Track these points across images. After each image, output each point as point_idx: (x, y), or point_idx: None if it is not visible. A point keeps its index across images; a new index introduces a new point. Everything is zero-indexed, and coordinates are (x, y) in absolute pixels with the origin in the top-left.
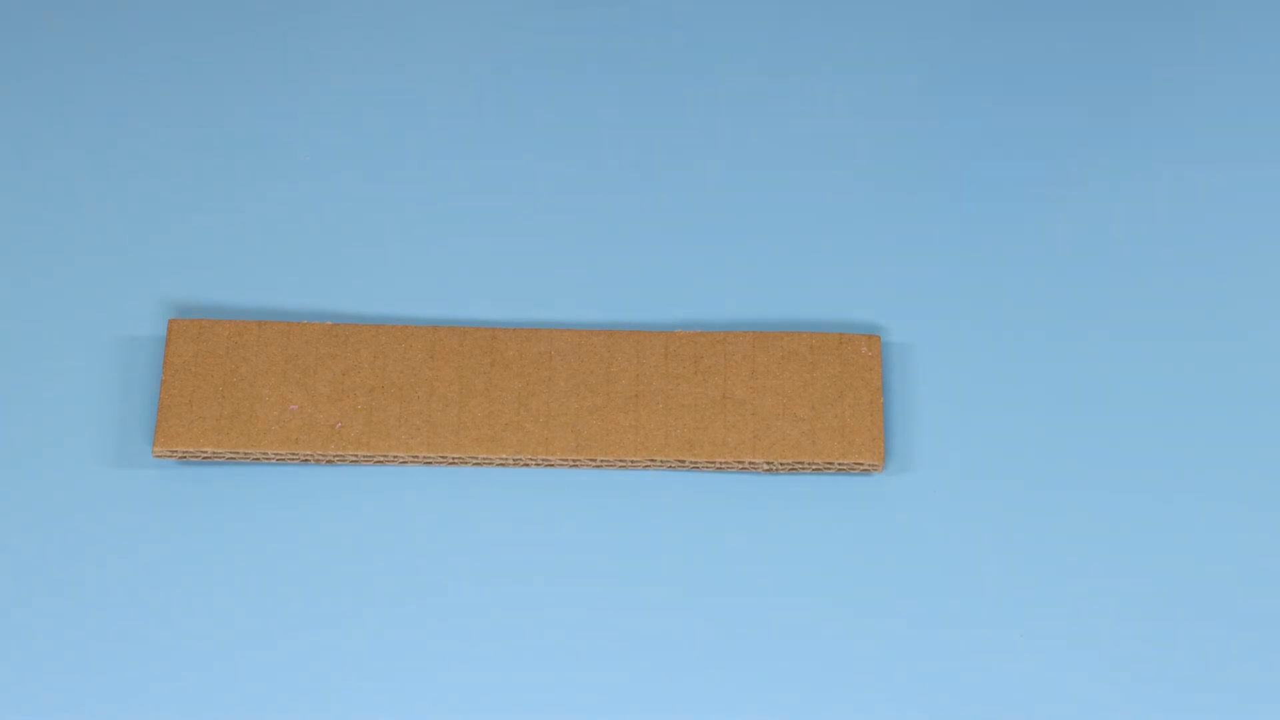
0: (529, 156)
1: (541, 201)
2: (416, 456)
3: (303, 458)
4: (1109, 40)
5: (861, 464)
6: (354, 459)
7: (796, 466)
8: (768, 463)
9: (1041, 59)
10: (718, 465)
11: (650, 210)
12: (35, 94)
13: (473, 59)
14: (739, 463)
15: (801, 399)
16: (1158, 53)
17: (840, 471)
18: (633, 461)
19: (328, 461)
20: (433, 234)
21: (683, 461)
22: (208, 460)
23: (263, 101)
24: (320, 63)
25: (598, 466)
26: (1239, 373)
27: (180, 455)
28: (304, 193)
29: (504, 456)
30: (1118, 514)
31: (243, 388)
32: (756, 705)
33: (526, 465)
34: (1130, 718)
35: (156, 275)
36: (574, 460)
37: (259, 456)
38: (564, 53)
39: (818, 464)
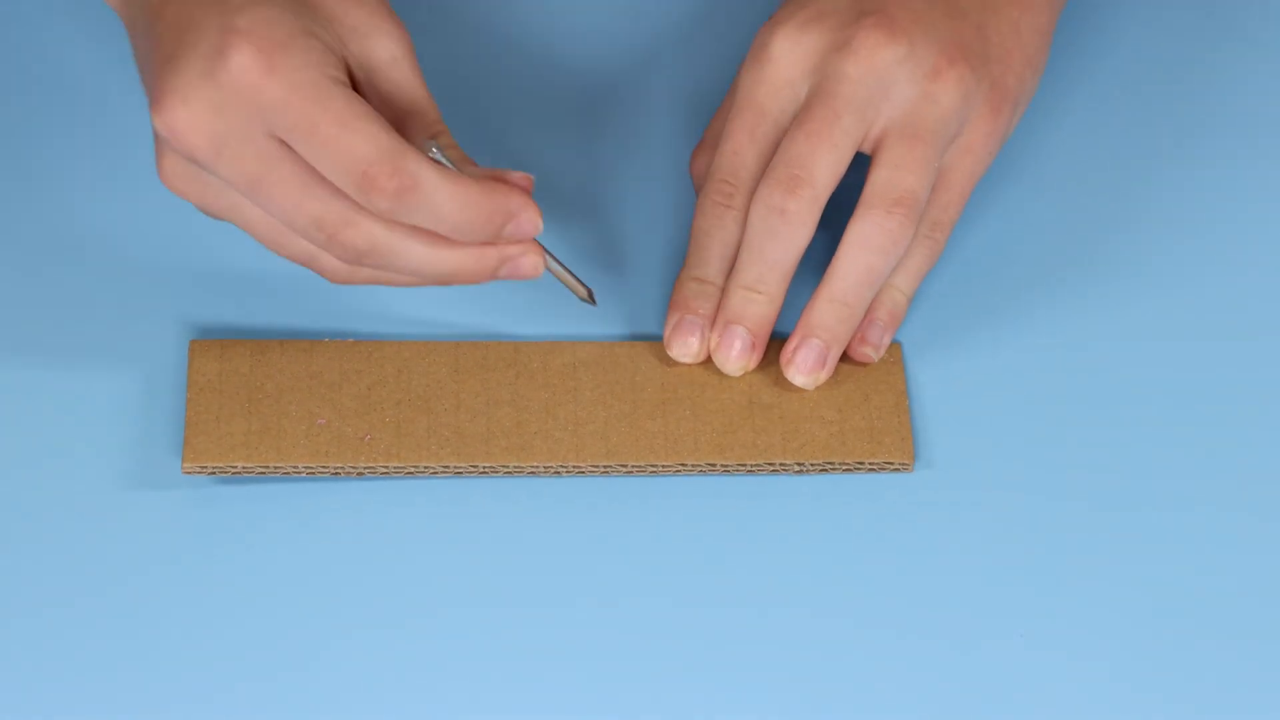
0: (543, 167)
1: (561, 214)
2: (447, 467)
3: (333, 470)
4: (1108, 41)
5: (892, 463)
6: (384, 470)
7: (827, 467)
8: (798, 464)
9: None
10: (748, 468)
11: (665, 218)
12: (58, 118)
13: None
14: (769, 465)
15: (828, 402)
16: (1157, 53)
17: (870, 471)
18: (663, 466)
19: (358, 474)
20: None
21: (713, 465)
22: (237, 475)
23: None
24: None
25: (628, 473)
26: (1260, 373)
27: (210, 471)
28: None
29: (534, 465)
30: (1137, 509)
31: (268, 404)
32: (796, 703)
33: (557, 474)
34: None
35: (176, 299)
36: (605, 467)
37: (289, 471)
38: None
39: (848, 464)
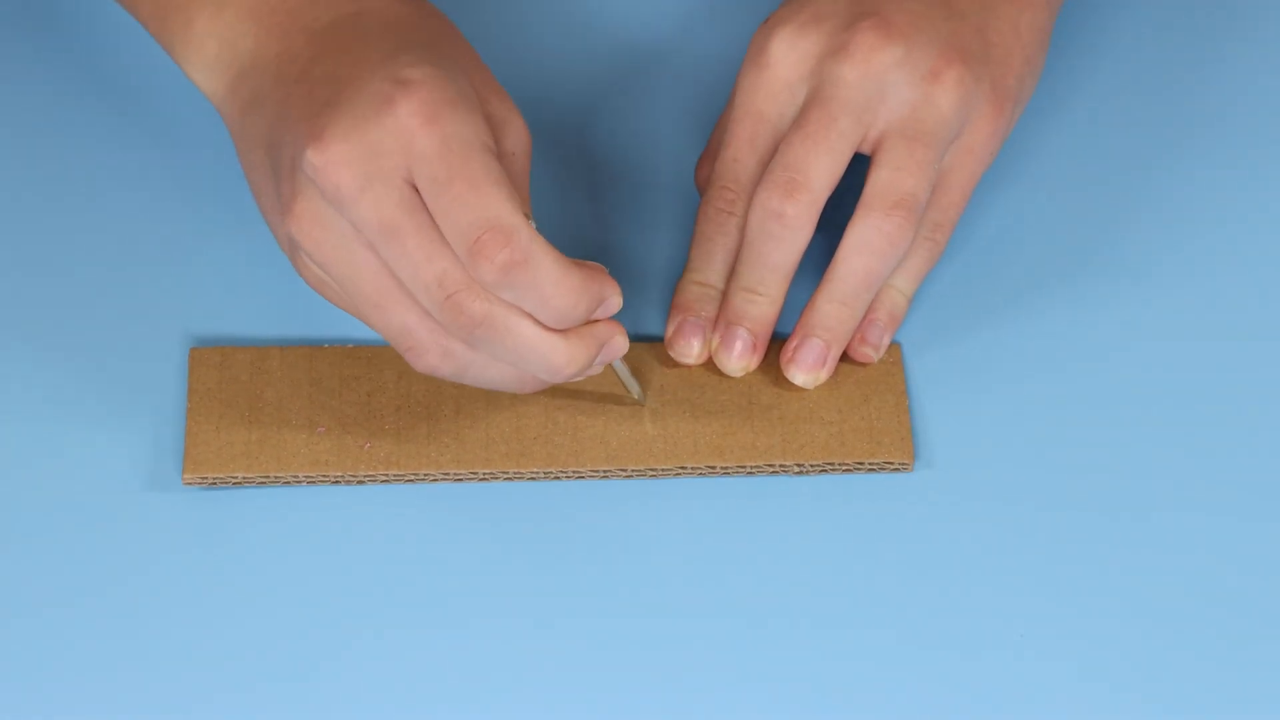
0: (545, 168)
1: (557, 217)
2: (447, 474)
3: (333, 479)
4: (1107, 40)
5: (891, 463)
6: (385, 478)
7: (827, 468)
8: (798, 465)
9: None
10: (748, 470)
11: (666, 220)
12: (60, 127)
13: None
14: (769, 466)
15: (827, 403)
16: (1156, 52)
17: (870, 471)
18: (663, 470)
19: (358, 482)
20: None
21: (713, 467)
22: (238, 485)
23: None
24: None
25: (628, 476)
26: (1260, 373)
27: (210, 481)
28: None
29: (534, 470)
30: (1137, 509)
31: (269, 412)
32: (797, 703)
33: (557, 478)
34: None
35: (176, 307)
36: (604, 471)
37: (289, 479)
38: None
39: (848, 464)
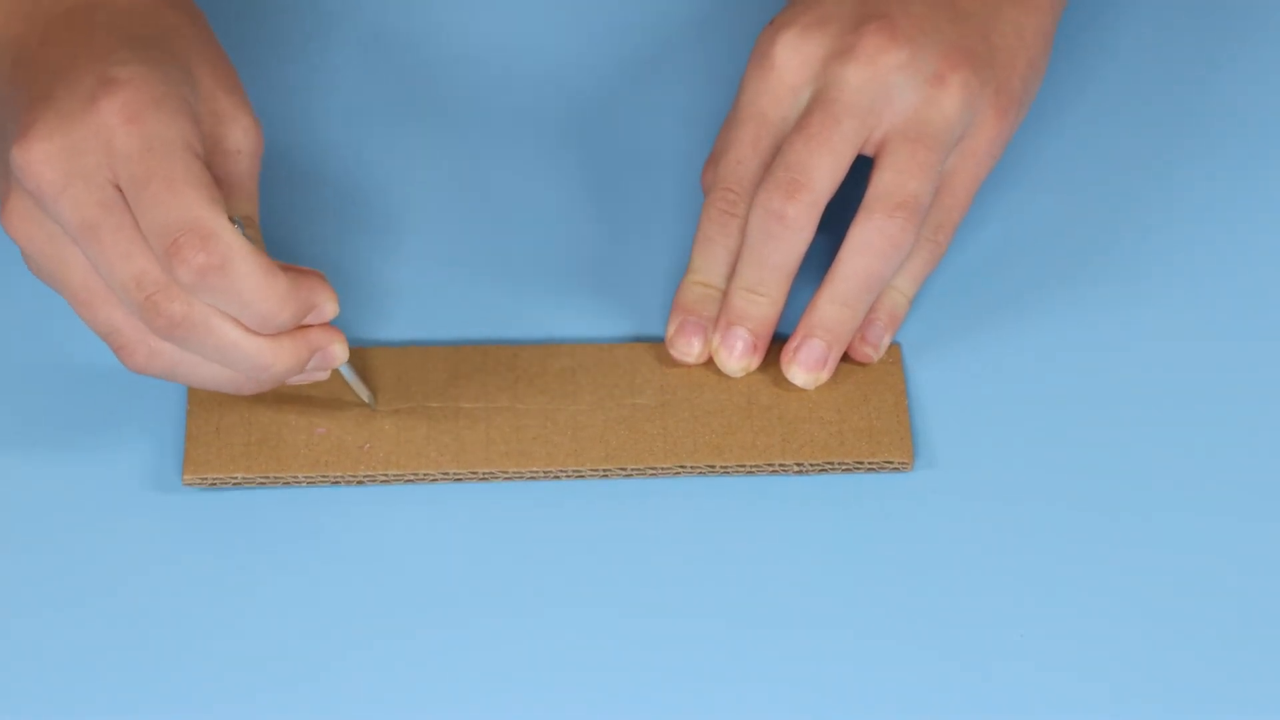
0: (542, 168)
1: (554, 216)
2: (446, 473)
3: (333, 480)
4: (1109, 43)
5: (891, 462)
6: (384, 479)
7: (826, 467)
8: (798, 464)
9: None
10: (748, 469)
11: (664, 222)
12: None
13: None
14: (769, 465)
15: (827, 403)
16: (1158, 55)
17: (870, 471)
18: (662, 469)
19: (358, 482)
20: (444, 261)
21: (712, 467)
22: (238, 485)
23: (274, 127)
24: (328, 89)
25: (628, 475)
26: (1260, 374)
27: (210, 482)
28: (317, 222)
29: (534, 470)
30: (1137, 509)
31: (268, 414)
32: (797, 702)
33: (556, 478)
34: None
35: None
36: (604, 470)
37: (289, 480)
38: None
39: (848, 464)
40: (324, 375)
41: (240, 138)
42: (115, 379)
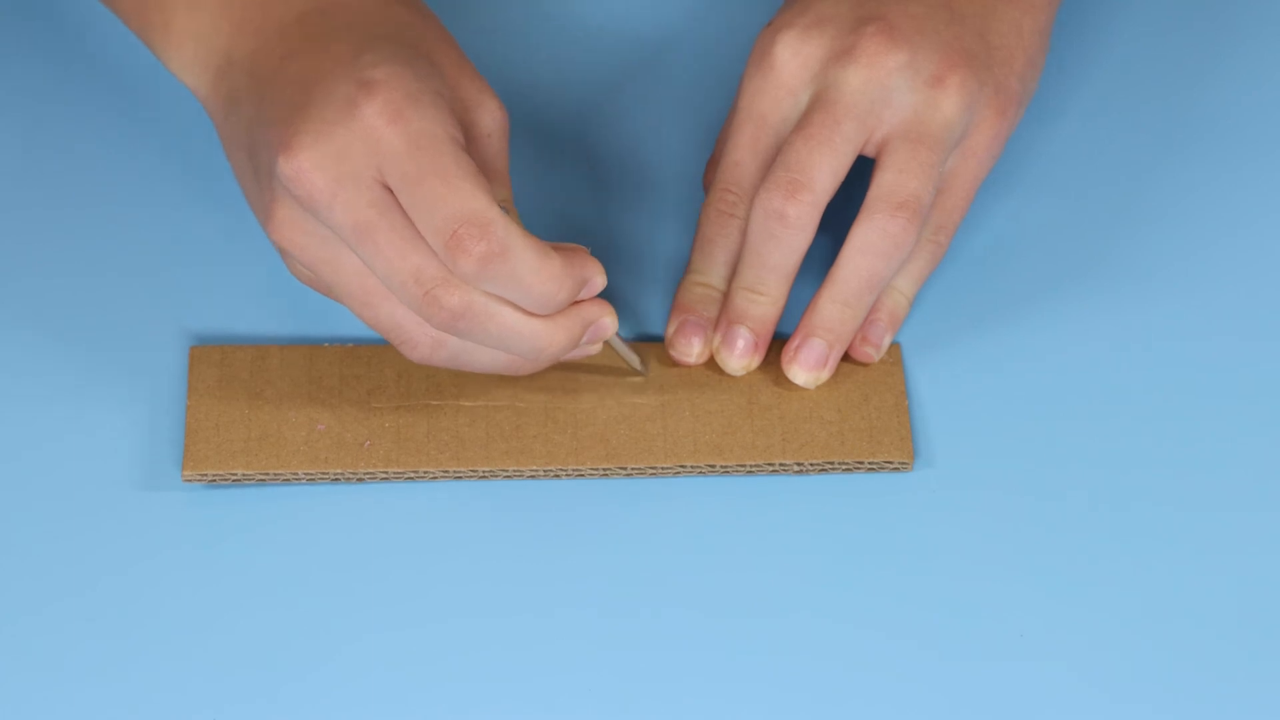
0: (542, 168)
1: (554, 216)
2: (446, 471)
3: (332, 477)
4: (1106, 42)
5: (891, 462)
6: (384, 476)
7: (826, 467)
8: (798, 464)
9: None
10: (748, 469)
11: (664, 223)
12: (60, 127)
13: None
14: (769, 465)
15: (827, 402)
16: (1156, 54)
17: (870, 471)
18: (663, 469)
19: (358, 479)
20: None
21: (712, 466)
22: (238, 482)
23: None
24: None
25: (628, 475)
26: (1261, 375)
27: (210, 479)
28: None
29: (534, 468)
30: (1136, 509)
31: (268, 410)
32: (797, 702)
33: (557, 476)
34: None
35: (176, 305)
36: (604, 470)
37: (288, 477)
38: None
39: (848, 464)
40: (596, 349)
41: (489, 121)
42: (115, 375)
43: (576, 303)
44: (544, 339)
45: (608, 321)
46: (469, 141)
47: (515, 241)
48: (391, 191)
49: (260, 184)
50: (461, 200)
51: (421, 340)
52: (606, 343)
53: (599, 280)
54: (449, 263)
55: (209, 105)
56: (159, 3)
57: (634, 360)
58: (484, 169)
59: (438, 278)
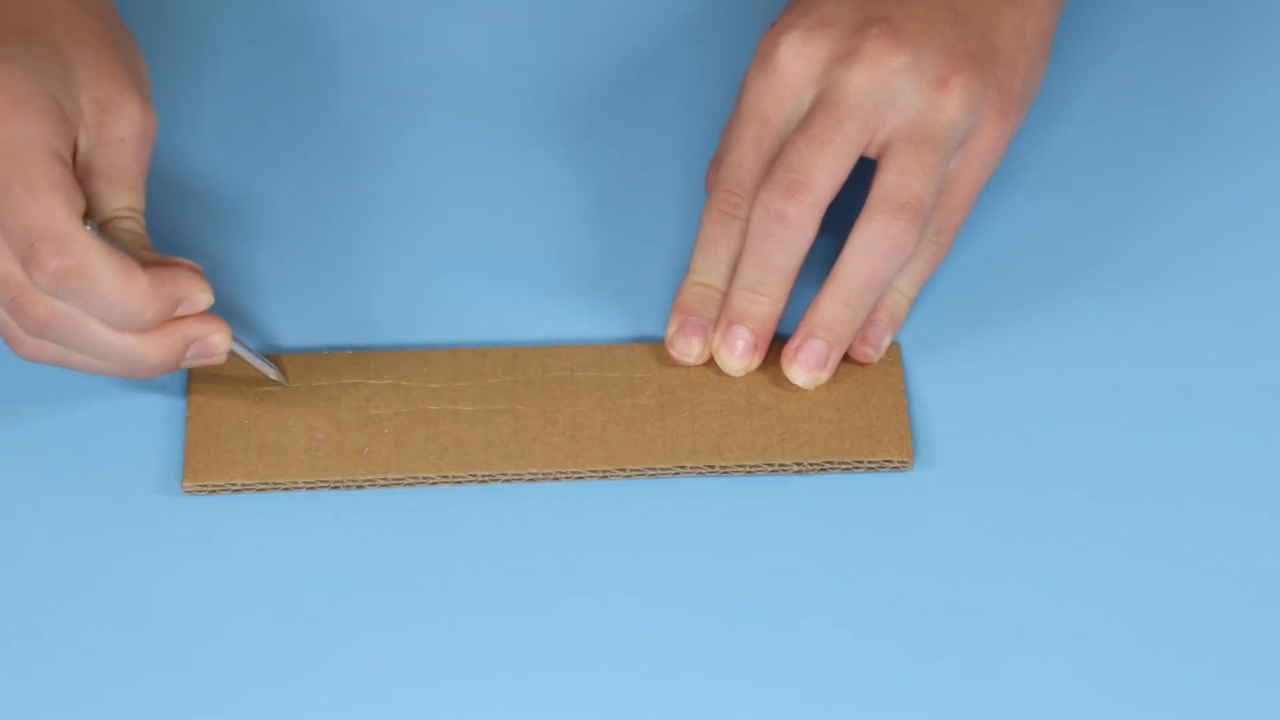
0: (542, 168)
1: (554, 216)
2: (446, 476)
3: (332, 484)
4: (1109, 43)
5: (890, 461)
6: (384, 482)
7: (826, 467)
8: (797, 464)
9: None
10: (747, 469)
11: (663, 223)
12: None
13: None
14: (768, 465)
15: (826, 402)
16: (1158, 55)
17: (870, 470)
18: (662, 470)
19: (358, 487)
20: (443, 263)
21: (712, 467)
22: (238, 492)
23: (274, 129)
24: (326, 91)
25: (627, 476)
26: (1261, 375)
27: (210, 489)
28: (314, 230)
29: (533, 471)
30: (1136, 509)
31: (267, 418)
32: (796, 702)
33: (556, 479)
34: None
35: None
36: (603, 471)
37: (289, 486)
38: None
39: (847, 463)
40: (216, 361)
41: (124, 126)
42: (115, 387)
43: (179, 319)
44: (136, 353)
45: (217, 340)
46: (100, 145)
47: (94, 259)
48: None
49: None
50: (41, 213)
51: (25, 340)
52: (236, 354)
53: (201, 299)
54: (28, 274)
55: None
56: None
57: (269, 370)
58: (110, 174)
59: (23, 286)
